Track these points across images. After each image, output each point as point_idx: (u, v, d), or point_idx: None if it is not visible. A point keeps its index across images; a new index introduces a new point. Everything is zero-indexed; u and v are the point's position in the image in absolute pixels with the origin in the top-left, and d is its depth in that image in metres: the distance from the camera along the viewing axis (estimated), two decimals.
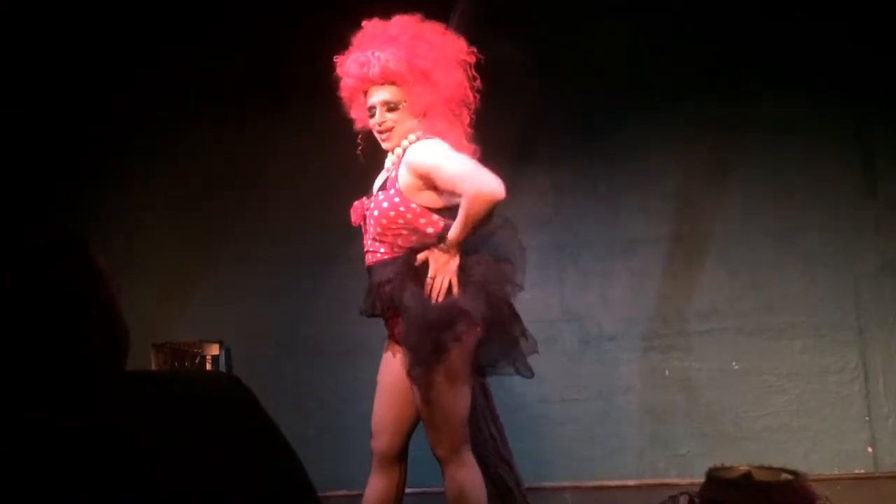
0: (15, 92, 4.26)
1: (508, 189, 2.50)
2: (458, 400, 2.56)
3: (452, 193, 2.53)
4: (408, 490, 2.78)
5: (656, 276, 4.25)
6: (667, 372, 4.20)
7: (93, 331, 1.11)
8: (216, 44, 4.31)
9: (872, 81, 4.15)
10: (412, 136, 2.68)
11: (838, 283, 4.16)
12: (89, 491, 0.99)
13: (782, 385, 4.14)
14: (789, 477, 2.88)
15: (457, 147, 2.64)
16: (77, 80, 4.38)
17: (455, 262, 2.56)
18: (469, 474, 2.60)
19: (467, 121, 2.77)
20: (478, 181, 2.45)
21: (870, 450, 4.07)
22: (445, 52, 2.68)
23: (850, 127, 4.22)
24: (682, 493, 3.52)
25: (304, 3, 4.15)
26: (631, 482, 4.12)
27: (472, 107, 2.77)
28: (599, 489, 4.06)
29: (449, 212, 2.62)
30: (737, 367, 4.17)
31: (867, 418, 4.08)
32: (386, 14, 2.73)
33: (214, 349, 4.04)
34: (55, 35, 4.31)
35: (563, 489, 4.06)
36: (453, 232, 2.52)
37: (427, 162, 2.55)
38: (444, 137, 2.64)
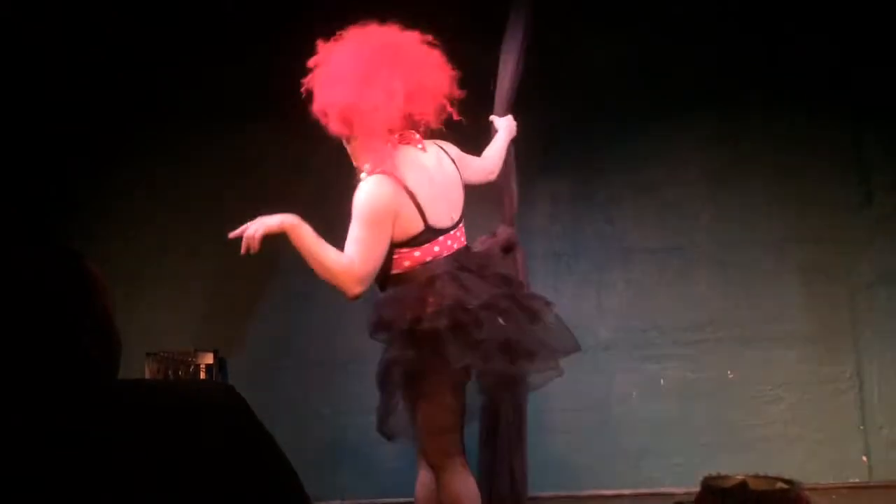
0: (12, 100, 4.26)
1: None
2: (442, 407, 2.56)
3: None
4: (401, 499, 2.78)
5: (652, 286, 4.26)
6: (662, 381, 4.20)
7: (86, 340, 1.11)
8: (218, 54, 4.29)
9: (867, 93, 4.17)
10: (364, 173, 2.62)
11: (834, 293, 4.17)
12: (83, 499, 0.99)
13: (778, 394, 4.15)
14: (785, 486, 2.88)
15: (382, 151, 2.56)
16: (74, 88, 4.37)
17: None
18: (462, 483, 2.59)
19: (395, 107, 2.56)
20: (354, 266, 2.44)
21: (865, 459, 4.07)
22: (328, 63, 2.62)
23: (845, 138, 4.24)
24: (677, 503, 3.54)
25: (307, 15, 4.14)
26: (626, 491, 4.11)
27: (387, 83, 2.54)
28: (595, 498, 4.06)
29: (406, 244, 2.58)
30: (732, 376, 4.18)
31: (862, 428, 4.08)
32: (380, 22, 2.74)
33: (209, 358, 4.03)
34: (55, 42, 4.31)
35: (558, 499, 4.06)
36: None
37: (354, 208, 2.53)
38: (377, 151, 2.56)
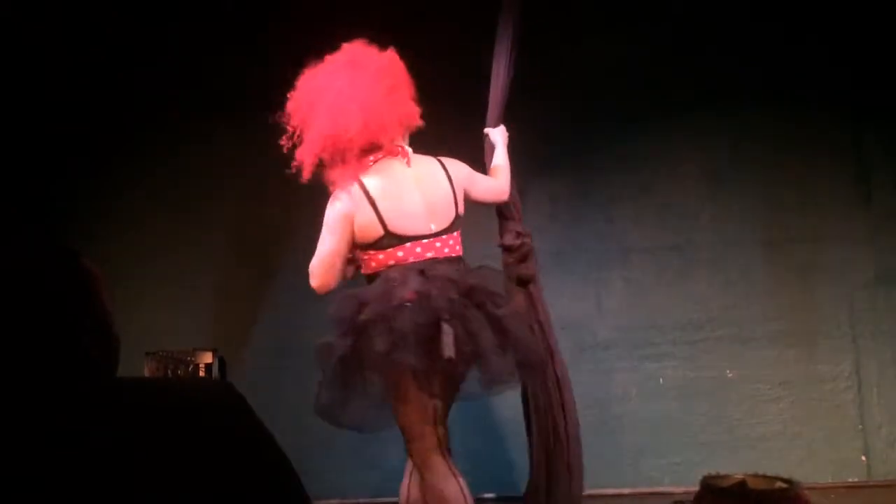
0: (12, 100, 4.26)
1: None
2: (407, 409, 2.62)
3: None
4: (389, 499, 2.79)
5: (652, 286, 4.26)
6: (661, 380, 4.20)
7: (85, 340, 1.11)
8: (218, 53, 4.28)
9: (866, 92, 4.17)
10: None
11: (833, 292, 4.18)
12: (83, 499, 1.00)
13: (777, 394, 4.15)
14: (783, 485, 2.89)
15: (342, 170, 2.74)
16: (74, 88, 4.37)
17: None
18: (441, 482, 2.60)
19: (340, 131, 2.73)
20: (317, 268, 2.72)
21: (864, 458, 4.07)
22: (294, 110, 2.83)
23: (845, 138, 4.25)
24: (677, 502, 3.54)
25: (308, 15, 4.13)
26: (626, 490, 4.12)
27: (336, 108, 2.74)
28: (595, 497, 4.04)
29: (371, 247, 2.70)
30: (731, 375, 4.18)
31: (861, 427, 4.09)
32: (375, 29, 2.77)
33: (208, 357, 4.02)
34: (55, 42, 4.31)
35: None
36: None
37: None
38: (338, 178, 2.74)
